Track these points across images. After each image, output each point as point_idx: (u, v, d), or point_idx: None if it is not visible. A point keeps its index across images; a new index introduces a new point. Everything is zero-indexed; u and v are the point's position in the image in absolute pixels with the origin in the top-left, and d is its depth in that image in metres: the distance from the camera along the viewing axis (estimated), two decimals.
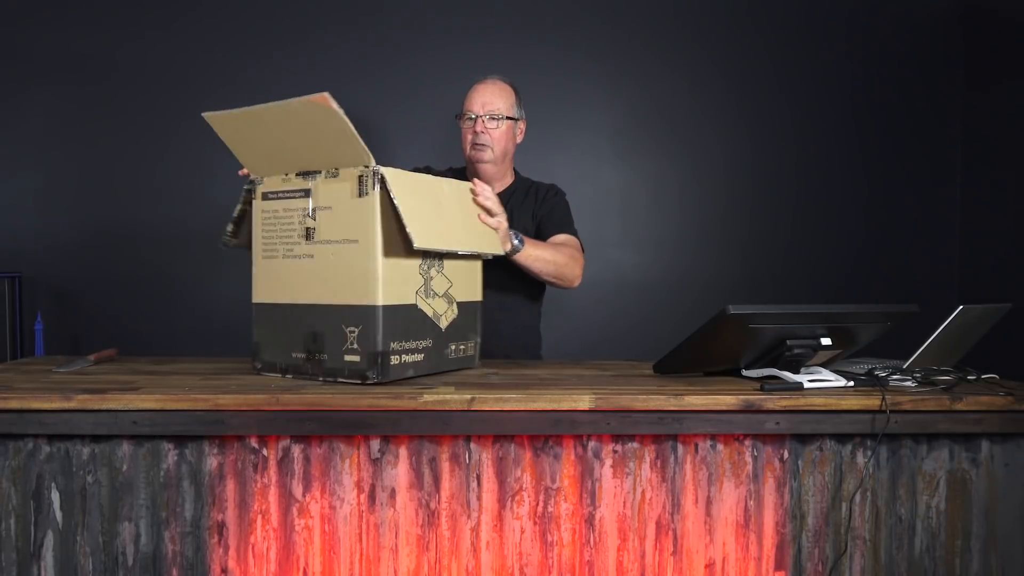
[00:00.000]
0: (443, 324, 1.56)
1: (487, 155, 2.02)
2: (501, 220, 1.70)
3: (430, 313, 1.52)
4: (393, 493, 1.35)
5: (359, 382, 1.40)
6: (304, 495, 1.34)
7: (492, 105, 2.02)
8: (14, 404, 1.27)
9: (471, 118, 2.02)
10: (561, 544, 1.37)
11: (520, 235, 1.83)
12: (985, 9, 3.08)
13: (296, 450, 1.33)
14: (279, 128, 1.43)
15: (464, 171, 2.16)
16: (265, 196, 1.53)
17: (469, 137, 2.03)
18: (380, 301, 1.39)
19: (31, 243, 3.02)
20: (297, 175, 1.48)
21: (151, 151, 2.95)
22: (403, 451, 1.35)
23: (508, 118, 2.04)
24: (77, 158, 3.03)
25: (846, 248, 3.21)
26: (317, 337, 1.45)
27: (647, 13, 3.15)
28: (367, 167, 1.40)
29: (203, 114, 1.49)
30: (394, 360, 1.42)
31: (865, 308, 1.47)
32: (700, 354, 1.52)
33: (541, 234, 2.05)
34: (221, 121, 1.49)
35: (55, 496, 1.31)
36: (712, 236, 3.19)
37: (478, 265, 1.69)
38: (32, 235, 3.03)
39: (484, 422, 1.32)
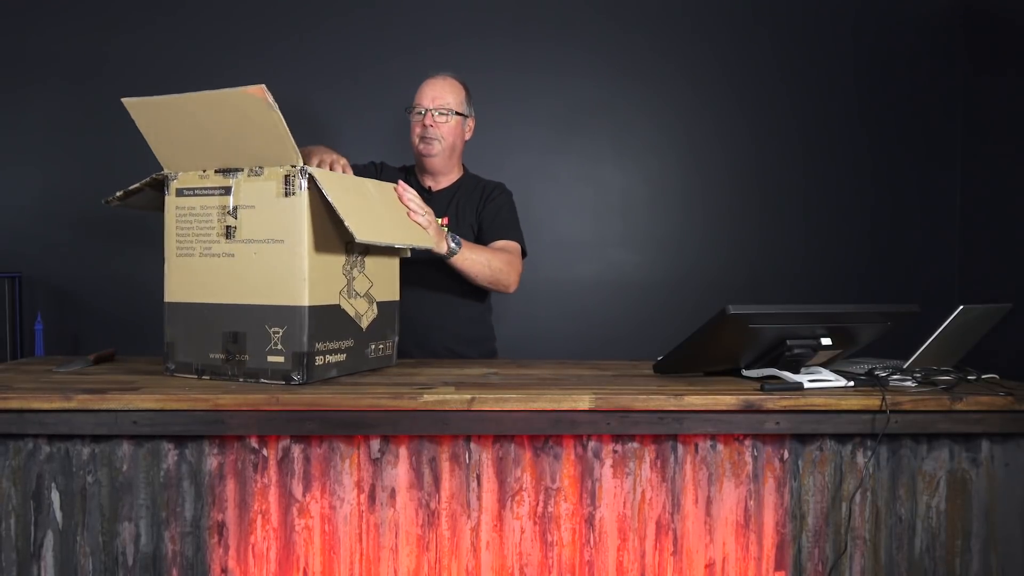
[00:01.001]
0: (364, 324, 1.57)
1: (435, 148, 2.04)
2: (429, 219, 1.71)
3: (352, 313, 1.53)
4: (393, 493, 1.35)
5: (283, 383, 1.40)
6: (304, 495, 1.34)
7: (442, 99, 2.03)
8: (14, 404, 1.27)
9: (420, 112, 2.04)
10: (561, 544, 1.37)
11: (457, 237, 1.82)
12: (985, 9, 3.08)
13: (296, 450, 1.33)
14: (205, 119, 1.41)
15: (412, 168, 2.17)
16: (180, 192, 1.49)
17: (417, 130, 2.05)
18: (307, 302, 1.39)
19: (31, 243, 3.02)
20: (216, 172, 1.46)
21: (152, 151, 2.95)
22: (403, 451, 1.35)
23: (457, 113, 2.05)
24: (77, 158, 3.03)
25: (846, 248, 3.21)
26: (238, 337, 1.43)
27: (648, 10, 3.15)
28: (294, 166, 1.39)
29: (123, 99, 1.44)
30: (319, 360, 1.43)
31: (865, 308, 1.47)
32: (700, 354, 1.52)
33: (483, 236, 2.05)
34: (141, 108, 1.46)
35: (55, 496, 1.31)
36: (713, 236, 3.19)
37: (396, 266, 1.71)
38: (32, 235, 3.03)
39: (484, 422, 1.32)
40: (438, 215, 2.06)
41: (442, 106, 2.03)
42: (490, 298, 2.17)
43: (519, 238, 2.06)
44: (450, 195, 2.11)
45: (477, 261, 1.87)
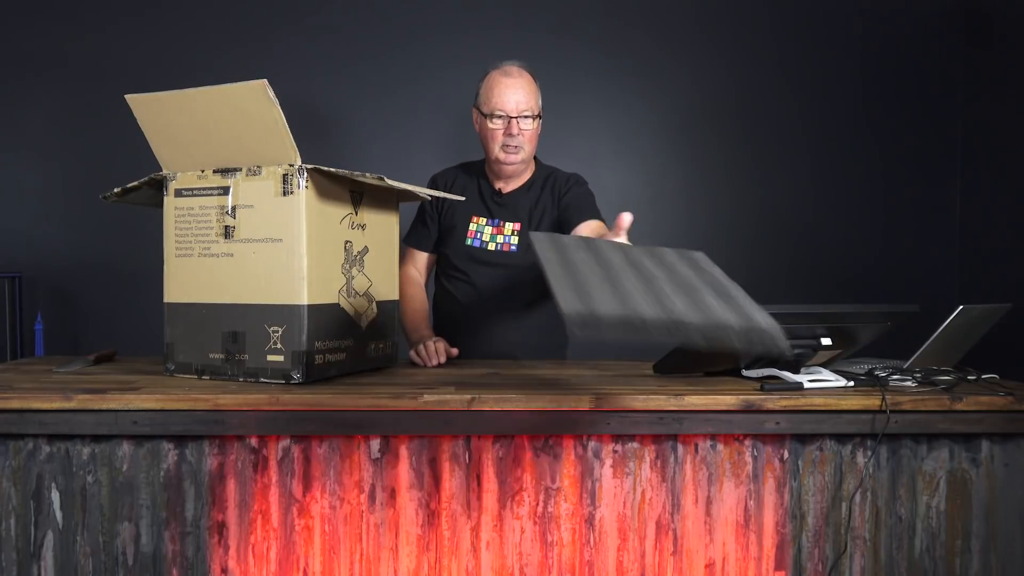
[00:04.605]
0: (363, 323, 1.57)
1: (518, 157, 1.93)
2: None
3: (351, 312, 1.53)
4: (393, 493, 1.35)
5: (282, 382, 1.40)
6: (304, 495, 1.34)
7: (525, 105, 1.90)
8: (14, 404, 1.27)
9: (502, 118, 1.91)
10: (561, 544, 1.37)
11: None
12: (985, 9, 3.08)
13: (296, 450, 1.33)
14: (206, 116, 1.41)
15: (475, 166, 2.09)
16: (178, 193, 1.49)
17: (499, 139, 1.92)
18: (305, 300, 1.39)
19: (31, 243, 3.03)
20: (215, 172, 1.46)
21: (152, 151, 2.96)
22: (403, 451, 1.35)
23: (538, 116, 1.95)
24: (77, 158, 3.03)
25: (846, 248, 3.21)
26: (237, 337, 1.44)
27: (650, 8, 3.15)
28: (292, 165, 1.39)
29: (126, 96, 1.45)
30: (318, 359, 1.43)
31: (865, 308, 1.47)
32: (700, 354, 1.52)
33: (566, 224, 1.95)
34: (144, 105, 1.46)
35: (55, 496, 1.31)
36: (713, 236, 3.19)
37: (395, 266, 1.70)
38: (32, 235, 3.03)
39: (484, 422, 1.32)
40: (508, 219, 1.99)
41: (526, 111, 1.90)
42: None
43: (604, 221, 1.95)
44: (521, 196, 2.02)
45: None
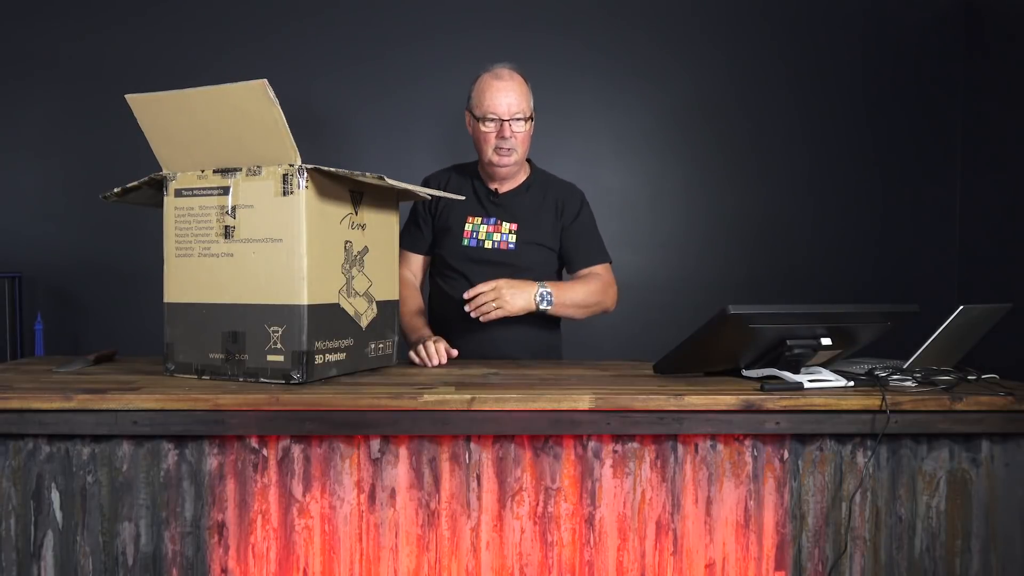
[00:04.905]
0: (363, 323, 1.57)
1: (512, 159, 1.95)
2: (499, 301, 1.75)
3: (351, 312, 1.53)
4: (393, 493, 1.35)
5: (282, 382, 1.40)
6: (304, 495, 1.34)
7: (517, 107, 1.92)
8: (14, 404, 1.27)
9: (494, 120, 1.92)
10: (561, 544, 1.37)
11: (548, 291, 1.82)
12: (985, 9, 3.08)
13: (296, 450, 1.34)
14: (206, 116, 1.41)
15: (468, 167, 2.10)
16: (178, 193, 1.50)
17: (493, 141, 1.93)
18: (305, 300, 1.39)
19: (31, 243, 3.02)
20: (215, 172, 1.46)
21: (152, 151, 2.96)
22: (403, 451, 1.35)
23: (530, 118, 1.96)
24: (77, 158, 3.03)
25: (846, 248, 3.21)
26: (237, 337, 1.44)
27: (650, 8, 3.15)
28: (292, 165, 1.39)
29: (126, 96, 1.45)
30: (318, 359, 1.43)
31: (865, 308, 1.47)
32: (700, 354, 1.52)
33: (568, 258, 2.03)
34: (144, 105, 1.46)
35: (55, 496, 1.31)
36: (713, 236, 3.19)
37: (395, 265, 1.71)
38: (32, 235, 3.03)
39: (484, 422, 1.32)
40: (505, 219, 2.01)
41: (518, 113, 1.92)
42: None
43: (605, 254, 2.05)
44: (519, 197, 2.03)
45: (572, 304, 1.89)
